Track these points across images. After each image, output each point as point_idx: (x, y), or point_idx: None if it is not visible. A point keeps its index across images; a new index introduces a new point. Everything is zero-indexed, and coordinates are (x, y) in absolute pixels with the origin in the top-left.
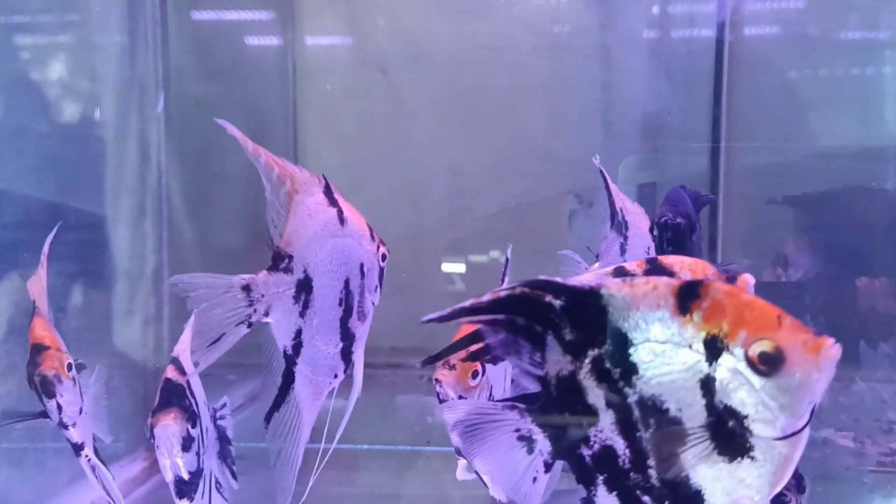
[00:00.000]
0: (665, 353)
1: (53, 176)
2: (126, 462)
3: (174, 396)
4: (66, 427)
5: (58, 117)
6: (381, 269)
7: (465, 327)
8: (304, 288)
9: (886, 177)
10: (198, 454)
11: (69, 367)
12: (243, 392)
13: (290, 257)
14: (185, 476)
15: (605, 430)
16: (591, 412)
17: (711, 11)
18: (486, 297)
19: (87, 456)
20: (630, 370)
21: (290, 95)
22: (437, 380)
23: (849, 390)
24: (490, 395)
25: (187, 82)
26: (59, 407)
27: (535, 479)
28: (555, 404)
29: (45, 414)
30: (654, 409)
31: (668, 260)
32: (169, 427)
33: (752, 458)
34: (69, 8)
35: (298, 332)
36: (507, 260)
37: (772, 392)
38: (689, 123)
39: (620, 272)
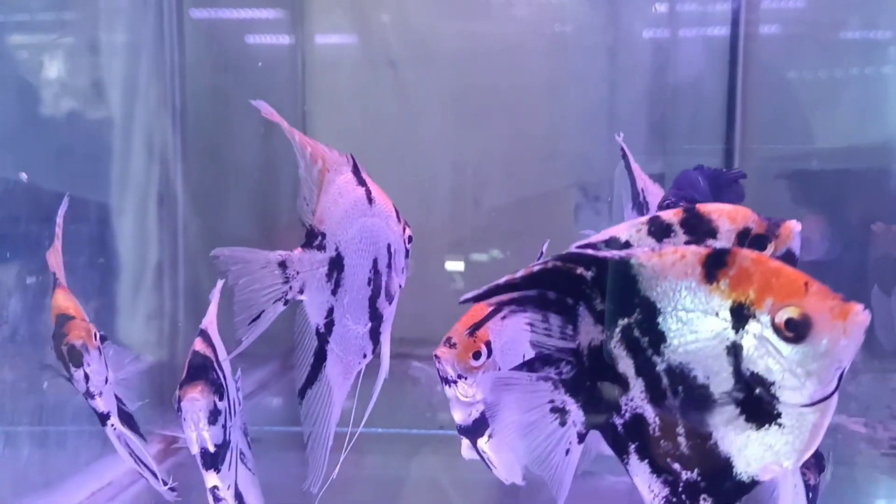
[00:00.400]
0: (693, 322)
1: (59, 168)
2: None
3: (201, 369)
4: (92, 397)
5: (64, 111)
6: (407, 251)
7: (474, 309)
8: (336, 266)
9: None
10: (224, 427)
11: (95, 336)
12: (253, 380)
13: (323, 235)
14: (211, 448)
15: (636, 398)
16: (622, 381)
17: (724, 10)
18: (521, 273)
19: (112, 425)
20: (659, 339)
21: (298, 91)
22: (436, 356)
23: (857, 380)
24: None
25: (196, 77)
26: (87, 376)
27: (567, 450)
28: (587, 375)
29: (70, 380)
30: (682, 377)
31: (707, 208)
32: (196, 401)
33: (780, 424)
34: (78, 4)
35: (330, 311)
36: (541, 254)
37: (799, 359)
38: (701, 124)
39: (656, 222)
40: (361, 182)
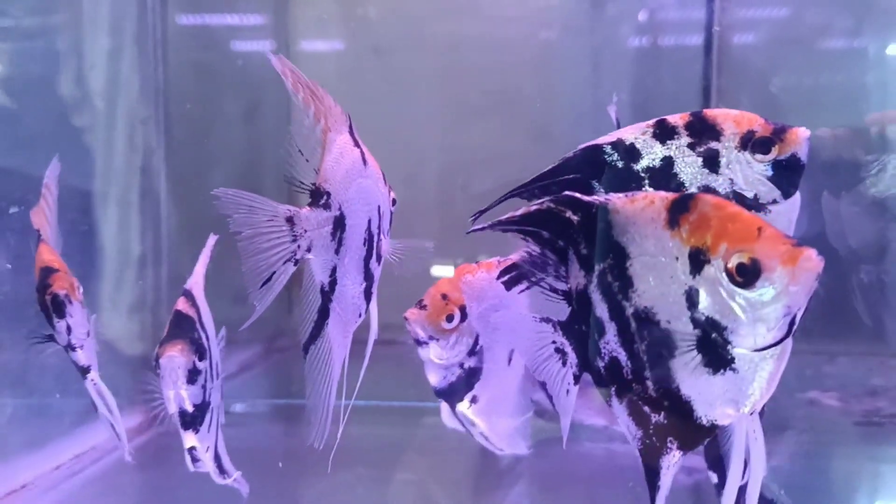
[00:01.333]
0: (656, 267)
1: (41, 158)
2: None
3: (182, 328)
4: (73, 349)
5: (47, 101)
6: (391, 214)
7: (443, 282)
8: (340, 226)
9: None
10: (204, 387)
11: (78, 289)
12: (236, 361)
13: (328, 194)
14: (189, 408)
15: (611, 342)
16: (600, 325)
17: (701, 18)
18: (520, 212)
19: (92, 379)
20: (627, 284)
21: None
22: (405, 318)
23: (833, 361)
24: (475, 345)
25: (180, 69)
26: (69, 328)
27: (567, 391)
28: (576, 318)
29: (51, 337)
30: (647, 321)
31: (714, 112)
32: (174, 358)
33: (735, 370)
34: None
35: (333, 270)
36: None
37: (749, 304)
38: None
39: (662, 125)
40: (356, 143)
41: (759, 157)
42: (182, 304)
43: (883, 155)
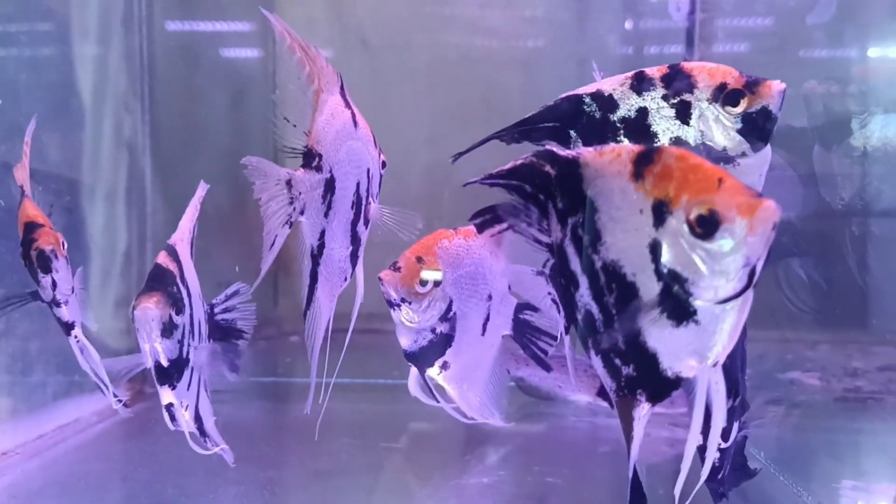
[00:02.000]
0: (622, 220)
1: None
2: None
3: (159, 281)
4: (58, 304)
5: (32, 95)
6: (381, 177)
7: (426, 238)
8: (330, 188)
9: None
10: (180, 342)
11: (63, 245)
12: None
13: (320, 156)
14: (164, 362)
15: (584, 295)
16: (574, 278)
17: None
18: (507, 167)
19: (76, 336)
20: (596, 237)
21: (270, 61)
22: (379, 278)
23: (816, 348)
24: (448, 311)
25: (165, 61)
26: (54, 283)
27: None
28: (557, 271)
29: (35, 295)
30: (615, 274)
31: (690, 64)
32: (149, 310)
33: (697, 322)
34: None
35: (322, 233)
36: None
37: (709, 255)
38: None
39: (640, 76)
40: (347, 104)
41: (729, 109)
42: (162, 258)
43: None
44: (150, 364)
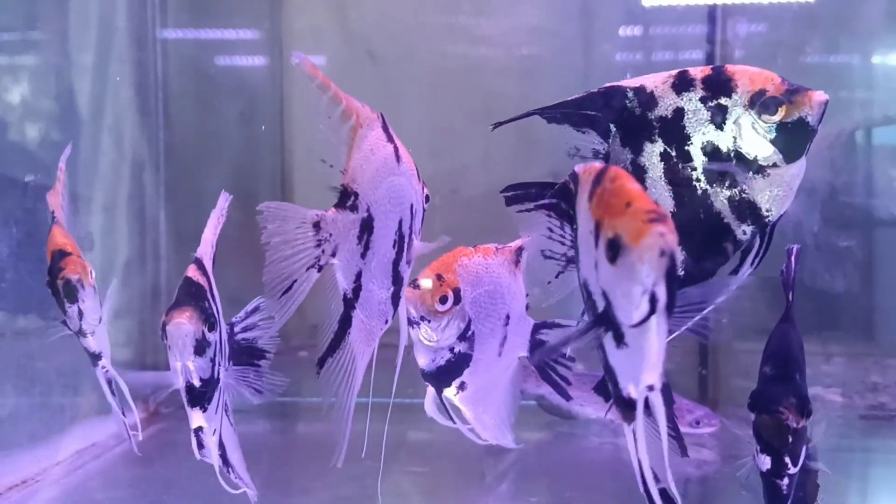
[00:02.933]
0: (583, 239)
1: (27, 163)
2: None
3: (191, 296)
4: (85, 335)
5: (34, 107)
6: (424, 211)
7: (446, 256)
8: (367, 228)
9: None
10: (213, 361)
11: (91, 274)
12: None
13: (356, 194)
14: (197, 382)
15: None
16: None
17: (696, 33)
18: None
19: (103, 367)
20: (575, 254)
21: (278, 78)
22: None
23: (830, 362)
24: (467, 330)
25: (172, 72)
26: (81, 313)
27: None
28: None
29: (63, 323)
30: (586, 291)
31: (734, 68)
32: (182, 326)
33: (626, 344)
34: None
35: (358, 275)
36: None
37: (615, 279)
38: None
39: (682, 76)
40: (390, 139)
41: (765, 117)
42: (192, 272)
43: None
44: (181, 384)
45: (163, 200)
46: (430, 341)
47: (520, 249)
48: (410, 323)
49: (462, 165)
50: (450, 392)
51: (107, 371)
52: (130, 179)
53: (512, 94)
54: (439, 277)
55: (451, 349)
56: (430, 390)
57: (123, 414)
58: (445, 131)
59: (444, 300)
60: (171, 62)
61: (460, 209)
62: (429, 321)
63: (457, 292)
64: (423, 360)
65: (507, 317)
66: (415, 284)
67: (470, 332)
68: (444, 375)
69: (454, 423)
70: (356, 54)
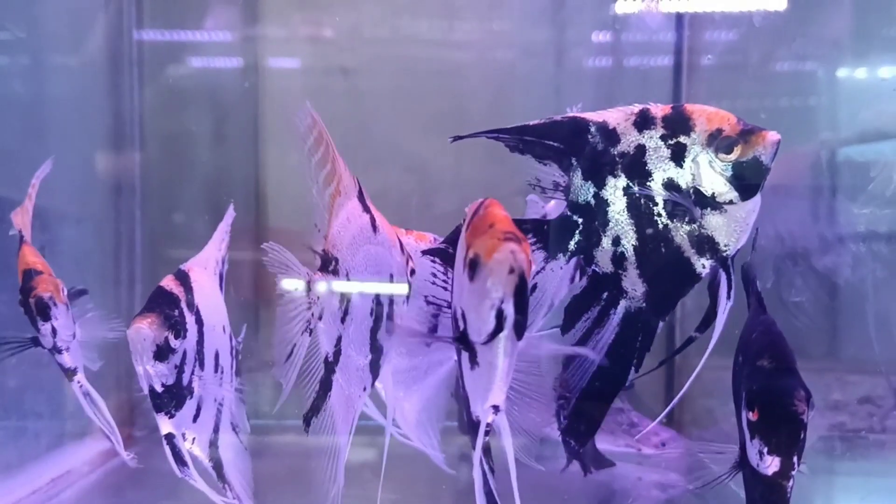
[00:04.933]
0: (456, 268)
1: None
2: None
3: (158, 303)
4: (59, 351)
5: (10, 119)
6: (409, 284)
7: None
8: (346, 294)
9: None
10: (178, 368)
11: (63, 291)
12: None
13: (336, 260)
14: (158, 387)
15: None
16: None
17: (667, 41)
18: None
19: (79, 382)
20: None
21: (252, 94)
22: None
23: None
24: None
25: (153, 69)
26: (54, 330)
27: None
28: None
29: (35, 341)
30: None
31: (693, 107)
32: (141, 330)
33: (478, 363)
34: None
35: (339, 339)
36: None
37: (471, 296)
38: None
39: (644, 114)
40: (366, 208)
41: (721, 155)
42: (166, 281)
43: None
44: (144, 388)
45: (145, 214)
46: None
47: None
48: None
49: (435, 182)
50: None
51: (82, 385)
52: (115, 193)
53: (485, 112)
54: None
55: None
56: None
57: (106, 425)
58: (420, 147)
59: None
60: (147, 74)
61: (434, 225)
62: None
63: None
64: None
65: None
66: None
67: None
68: None
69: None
70: (329, 69)
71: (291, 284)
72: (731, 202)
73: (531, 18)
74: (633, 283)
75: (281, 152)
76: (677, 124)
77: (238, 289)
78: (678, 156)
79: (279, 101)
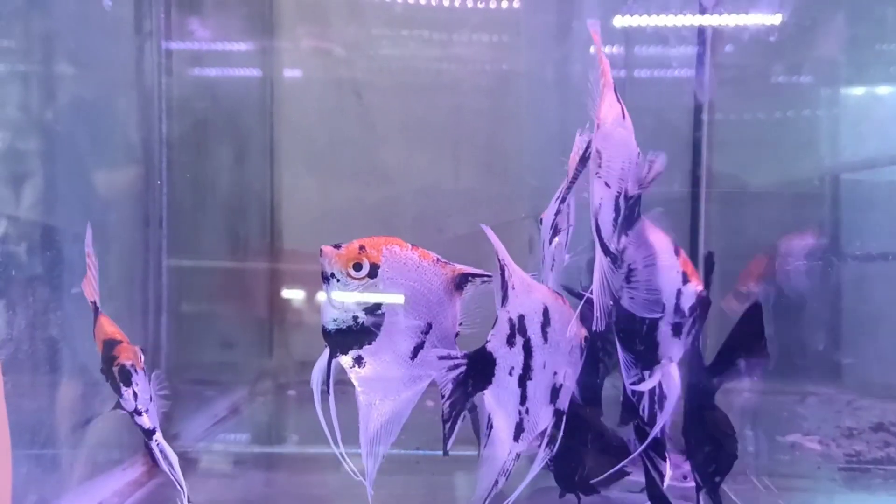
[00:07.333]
0: None
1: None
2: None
3: None
4: (139, 414)
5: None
6: None
7: (373, 237)
8: None
9: None
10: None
11: (141, 358)
12: (225, 405)
13: None
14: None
15: None
16: None
17: (687, 53)
18: None
19: (157, 441)
20: None
21: (267, 118)
22: (320, 250)
23: (804, 402)
24: (376, 306)
25: (180, 98)
26: (135, 395)
27: None
28: None
29: (119, 405)
30: None
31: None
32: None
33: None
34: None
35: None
36: None
37: None
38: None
39: None
40: None
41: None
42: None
43: None
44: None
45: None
46: (335, 306)
47: (465, 276)
48: (323, 277)
49: (448, 205)
50: (346, 361)
51: (159, 444)
52: (134, 227)
53: (500, 135)
54: (362, 248)
55: (356, 318)
56: (324, 356)
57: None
58: (433, 170)
59: (357, 267)
60: (174, 103)
61: (447, 249)
62: (338, 281)
63: (374, 267)
64: (325, 318)
65: (430, 326)
66: (336, 244)
67: (380, 312)
68: (341, 338)
69: (329, 392)
70: (343, 93)
71: None
72: None
73: (539, 36)
74: None
75: (296, 176)
76: None
77: (254, 308)
78: None
79: (295, 125)
